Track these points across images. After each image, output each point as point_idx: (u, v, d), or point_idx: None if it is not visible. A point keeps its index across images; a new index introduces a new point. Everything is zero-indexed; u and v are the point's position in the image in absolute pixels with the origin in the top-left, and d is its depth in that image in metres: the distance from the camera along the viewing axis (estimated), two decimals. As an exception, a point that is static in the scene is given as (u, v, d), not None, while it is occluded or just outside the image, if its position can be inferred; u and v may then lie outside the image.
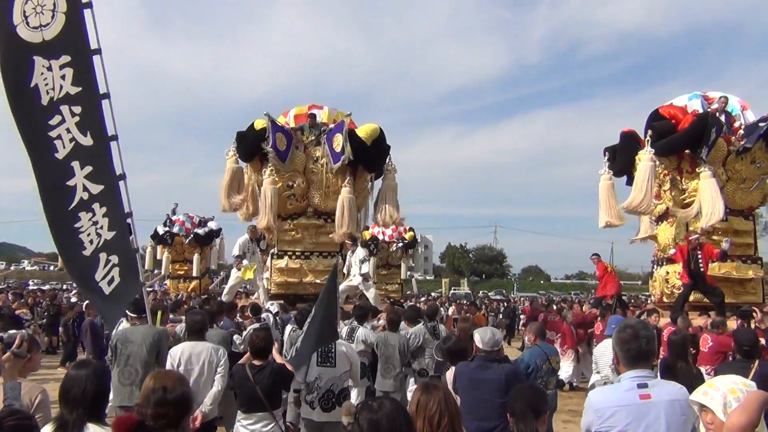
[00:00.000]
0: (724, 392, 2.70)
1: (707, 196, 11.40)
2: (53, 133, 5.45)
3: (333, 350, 5.85)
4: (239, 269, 12.55)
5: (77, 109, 5.45)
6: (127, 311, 6.58)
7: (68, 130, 5.43)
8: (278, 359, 5.59)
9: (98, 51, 5.57)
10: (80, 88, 5.46)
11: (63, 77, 5.41)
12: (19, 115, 5.52)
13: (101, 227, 5.53)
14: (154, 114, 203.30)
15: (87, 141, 5.48)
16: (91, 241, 5.52)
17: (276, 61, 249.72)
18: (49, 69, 5.41)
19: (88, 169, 5.48)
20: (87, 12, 5.48)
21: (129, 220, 5.81)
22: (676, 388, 3.13)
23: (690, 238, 11.49)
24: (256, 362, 5.24)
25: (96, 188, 5.51)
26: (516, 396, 3.54)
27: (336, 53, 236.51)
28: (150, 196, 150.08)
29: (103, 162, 5.56)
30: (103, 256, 5.55)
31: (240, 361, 5.51)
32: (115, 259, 5.59)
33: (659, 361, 6.41)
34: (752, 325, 8.67)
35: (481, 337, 4.93)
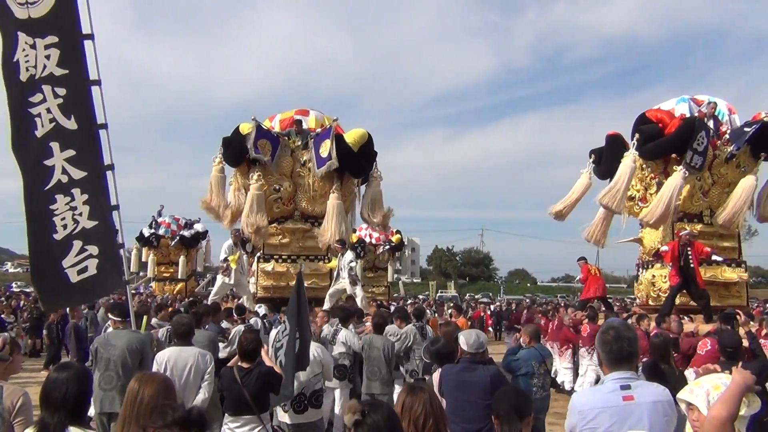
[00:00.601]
0: (708, 389, 2.74)
1: (665, 191, 11.51)
2: (34, 111, 5.43)
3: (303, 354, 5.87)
4: (226, 275, 12.55)
5: (61, 91, 5.42)
6: (110, 315, 6.52)
7: (48, 110, 5.41)
8: (267, 362, 5.58)
9: (90, 36, 5.53)
10: (66, 71, 5.44)
11: (48, 57, 5.38)
12: (6, 87, 5.51)
13: (80, 214, 5.46)
14: (140, 115, 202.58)
15: (71, 124, 5.45)
16: (64, 226, 5.43)
17: (263, 63, 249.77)
18: (33, 47, 5.38)
19: (70, 152, 5.44)
20: None
21: (115, 213, 5.75)
22: (659, 389, 3.15)
23: (681, 234, 11.50)
24: (244, 365, 5.20)
25: (78, 173, 5.45)
26: (500, 398, 3.56)
27: (323, 56, 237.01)
28: (135, 198, 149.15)
29: (88, 148, 5.52)
30: (77, 243, 5.46)
31: (228, 364, 5.47)
32: (93, 250, 5.51)
33: (643, 363, 6.46)
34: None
35: (466, 340, 4.95)
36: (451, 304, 20.17)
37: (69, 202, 5.43)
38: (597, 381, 11.55)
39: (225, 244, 12.78)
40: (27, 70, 5.40)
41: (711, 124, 12.42)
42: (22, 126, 5.46)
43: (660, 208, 11.44)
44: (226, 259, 12.56)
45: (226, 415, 5.26)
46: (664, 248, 11.75)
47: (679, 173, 11.52)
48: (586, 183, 13.55)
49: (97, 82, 5.58)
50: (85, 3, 5.46)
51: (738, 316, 9.37)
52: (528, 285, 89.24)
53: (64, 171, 5.41)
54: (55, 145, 5.41)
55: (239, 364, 5.25)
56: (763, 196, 12.42)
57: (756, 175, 12.24)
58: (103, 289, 6.22)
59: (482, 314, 16.73)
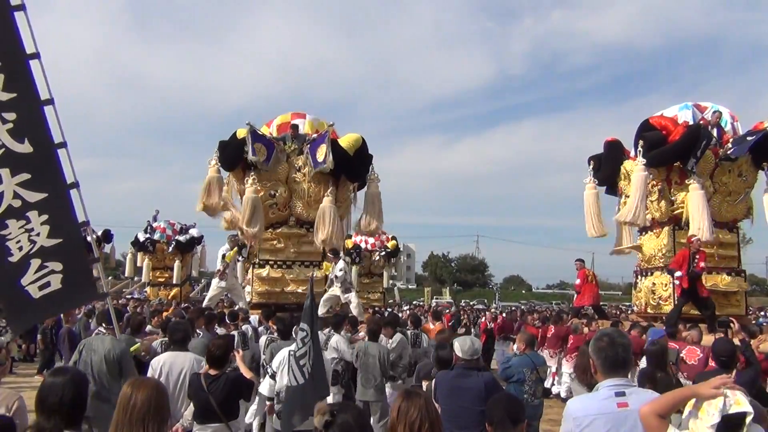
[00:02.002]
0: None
1: (695, 209, 11.47)
2: None
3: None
4: (222, 279, 12.60)
5: (10, 116, 5.30)
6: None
7: None
8: (242, 369, 5.55)
9: (36, 55, 5.41)
10: (14, 94, 5.31)
11: None
12: None
13: (37, 234, 5.40)
14: (136, 119, 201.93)
15: (24, 148, 5.33)
16: (20, 248, 5.38)
17: (260, 68, 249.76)
18: None
19: (24, 176, 5.35)
20: (19, 15, 5.32)
21: (86, 229, 5.74)
22: (653, 396, 3.15)
23: (692, 240, 11.41)
24: (212, 372, 5.13)
25: (34, 196, 5.38)
26: (494, 404, 3.57)
27: (321, 61, 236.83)
28: (131, 203, 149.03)
29: (45, 169, 5.44)
30: (35, 261, 5.43)
31: (199, 371, 5.38)
32: (56, 266, 5.48)
33: (638, 371, 6.48)
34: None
35: (460, 346, 4.96)
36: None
37: (24, 225, 5.36)
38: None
39: (220, 251, 12.96)
40: None
41: (715, 132, 12.44)
42: None
43: (705, 224, 11.39)
44: (224, 256, 12.68)
45: (195, 423, 5.15)
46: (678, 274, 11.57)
47: (694, 185, 11.56)
48: (595, 193, 13.53)
49: (50, 101, 5.46)
50: (25, 22, 5.31)
51: (732, 325, 9.41)
52: (523, 291, 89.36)
53: (16, 195, 5.31)
54: (4, 171, 5.29)
55: (207, 371, 5.17)
56: None
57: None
58: (72, 301, 6.20)
59: (489, 324, 16.31)
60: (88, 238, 5.96)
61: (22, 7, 5.31)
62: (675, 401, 2.83)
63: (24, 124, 5.32)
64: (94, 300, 6.04)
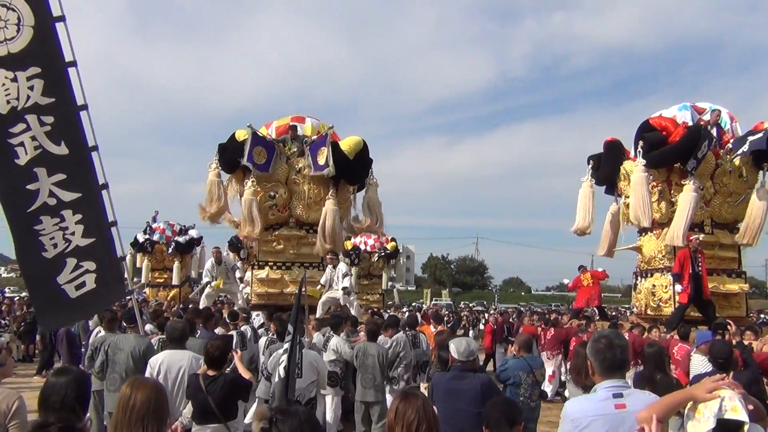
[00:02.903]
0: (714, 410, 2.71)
1: (680, 210, 11.51)
2: (14, 140, 5.58)
3: (300, 361, 5.83)
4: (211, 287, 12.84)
5: (48, 119, 5.61)
6: (124, 322, 6.97)
7: (34, 138, 5.59)
8: (240, 369, 5.55)
9: (73, 63, 5.70)
10: (52, 99, 5.61)
11: (31, 88, 5.56)
12: None
13: (72, 233, 5.68)
14: (137, 120, 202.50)
15: (60, 150, 5.64)
16: (54, 245, 5.65)
17: (261, 69, 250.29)
18: (14, 80, 5.54)
19: (59, 176, 5.64)
20: (60, 25, 5.63)
21: (113, 229, 6.00)
22: (651, 397, 3.15)
23: (691, 238, 11.42)
24: (210, 372, 5.13)
25: (69, 195, 5.67)
26: (491, 407, 3.60)
27: (322, 63, 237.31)
28: (131, 204, 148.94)
29: (80, 171, 5.74)
30: (71, 260, 5.68)
31: (197, 371, 5.38)
32: (90, 266, 5.74)
33: (634, 373, 6.49)
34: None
35: (456, 348, 4.95)
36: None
37: (58, 223, 5.65)
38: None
39: (207, 263, 13.13)
40: (8, 102, 5.55)
41: (714, 132, 12.42)
42: (1, 157, 5.63)
43: (681, 227, 11.43)
44: (209, 284, 12.93)
45: (193, 423, 5.15)
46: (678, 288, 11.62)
47: (690, 186, 11.54)
48: (589, 192, 13.54)
49: (84, 107, 5.77)
50: (64, 31, 5.62)
51: (729, 327, 9.42)
52: (522, 293, 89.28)
53: (52, 194, 5.62)
54: (41, 171, 5.62)
55: (206, 372, 5.17)
56: None
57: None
58: (103, 302, 6.44)
59: (495, 327, 16.20)
60: (115, 237, 6.16)
61: (62, 18, 5.65)
62: (671, 405, 2.81)
63: (61, 128, 5.66)
64: (123, 298, 6.32)
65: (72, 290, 5.73)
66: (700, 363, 7.45)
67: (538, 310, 35.21)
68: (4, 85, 5.55)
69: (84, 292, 5.77)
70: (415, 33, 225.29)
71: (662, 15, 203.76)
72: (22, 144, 5.60)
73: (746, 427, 2.57)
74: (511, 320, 18.07)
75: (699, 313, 11.53)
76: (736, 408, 2.59)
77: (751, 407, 2.64)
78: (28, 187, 5.61)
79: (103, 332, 7.83)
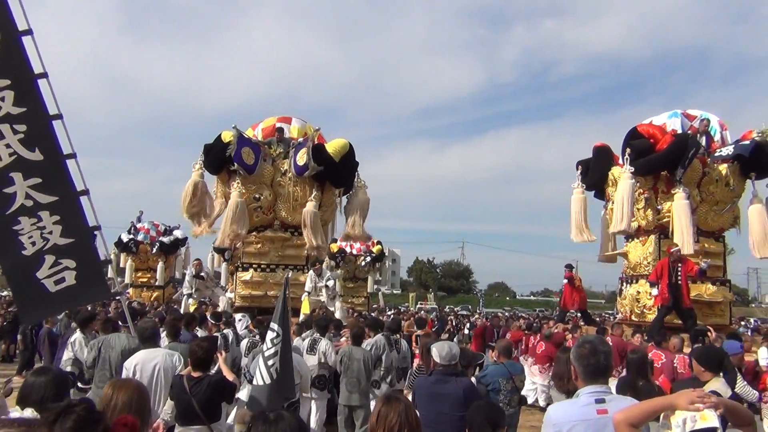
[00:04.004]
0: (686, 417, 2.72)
1: (679, 220, 11.51)
2: None
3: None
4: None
5: (21, 127, 5.92)
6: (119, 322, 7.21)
7: (8, 146, 5.91)
8: (225, 371, 5.51)
9: (44, 75, 5.99)
10: (24, 109, 5.92)
11: (2, 99, 5.86)
12: None
13: (50, 232, 6.01)
14: (125, 119, 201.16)
15: (35, 156, 5.95)
16: (33, 243, 5.98)
17: (252, 70, 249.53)
18: None
19: (36, 180, 5.96)
20: (27, 39, 5.90)
21: (98, 233, 6.36)
22: (632, 403, 3.18)
23: (672, 251, 11.44)
24: (195, 374, 5.10)
25: (45, 198, 5.99)
26: (474, 411, 3.59)
27: (312, 65, 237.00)
28: (115, 203, 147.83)
29: (55, 176, 6.05)
30: (50, 257, 6.02)
31: (181, 372, 5.36)
32: (70, 263, 6.07)
33: (618, 379, 6.52)
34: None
35: (438, 352, 4.94)
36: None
37: (35, 223, 5.96)
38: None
39: (187, 275, 13.17)
40: None
41: (703, 140, 12.45)
42: None
43: (686, 237, 11.43)
44: (190, 296, 12.94)
45: (176, 425, 5.11)
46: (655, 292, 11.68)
47: (680, 194, 11.59)
48: (582, 198, 13.58)
49: (58, 116, 6.03)
50: (32, 44, 5.87)
51: (709, 334, 9.50)
52: (507, 298, 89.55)
53: (28, 196, 5.93)
54: (17, 175, 5.92)
55: (190, 373, 5.13)
56: None
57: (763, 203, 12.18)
58: (86, 297, 6.74)
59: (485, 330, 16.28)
60: (99, 241, 6.48)
61: (29, 32, 5.94)
62: (649, 411, 2.80)
63: (34, 135, 5.96)
64: (107, 298, 6.65)
65: (51, 285, 6.02)
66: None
67: (523, 315, 35.28)
68: None
69: (63, 287, 6.06)
70: (406, 37, 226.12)
71: (651, 24, 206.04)
72: None
73: None
74: (500, 324, 18.12)
75: (680, 320, 11.57)
76: (705, 416, 2.59)
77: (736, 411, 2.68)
78: (5, 190, 5.90)
79: (79, 334, 7.92)
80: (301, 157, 12.43)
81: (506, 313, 37.66)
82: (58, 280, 6.04)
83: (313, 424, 7.98)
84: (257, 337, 8.22)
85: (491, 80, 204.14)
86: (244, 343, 8.59)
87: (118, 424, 2.83)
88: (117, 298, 8.15)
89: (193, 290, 13.53)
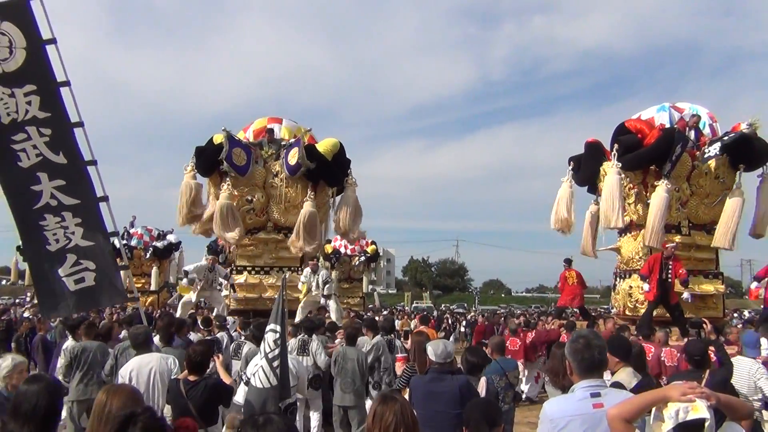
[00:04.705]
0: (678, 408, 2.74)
1: (653, 210, 11.60)
2: (17, 147, 6.31)
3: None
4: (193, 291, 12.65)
5: (47, 131, 6.31)
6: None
7: (35, 146, 6.30)
8: (222, 374, 5.49)
9: (66, 83, 6.31)
10: (49, 114, 6.28)
11: (29, 103, 6.26)
12: None
13: (72, 232, 6.34)
14: (116, 125, 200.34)
15: (59, 159, 6.30)
16: (57, 240, 6.31)
17: (242, 73, 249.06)
18: (12, 96, 6.27)
19: (59, 182, 6.31)
20: (51, 47, 6.27)
21: (115, 239, 6.76)
22: (628, 396, 3.19)
23: (667, 246, 11.47)
24: (191, 377, 5.10)
25: (68, 200, 6.32)
26: (471, 408, 3.60)
27: (303, 67, 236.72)
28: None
29: (77, 180, 6.38)
30: (71, 256, 6.33)
31: (178, 376, 5.36)
32: (90, 265, 6.39)
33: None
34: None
35: (433, 350, 4.95)
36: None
37: (59, 222, 6.30)
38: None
39: (196, 264, 12.99)
40: (8, 115, 6.23)
41: (692, 134, 12.50)
42: (5, 159, 6.31)
43: (656, 228, 11.49)
44: (193, 281, 12.72)
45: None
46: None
47: (662, 187, 11.63)
48: (569, 191, 13.63)
49: (80, 124, 6.34)
50: (56, 54, 6.24)
51: (704, 326, 9.54)
52: (503, 295, 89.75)
53: (53, 196, 6.28)
54: (43, 175, 6.32)
55: (187, 377, 5.13)
56: (759, 213, 12.37)
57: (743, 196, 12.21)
58: (103, 299, 6.96)
59: (485, 327, 16.31)
60: (117, 245, 7.03)
61: (53, 41, 6.31)
62: (642, 405, 2.81)
63: (58, 140, 6.32)
64: (124, 302, 7.10)
65: (71, 284, 6.34)
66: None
67: (518, 311, 35.35)
68: (2, 100, 6.24)
69: (83, 287, 6.37)
70: (397, 36, 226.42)
71: (640, 19, 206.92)
72: (24, 150, 6.29)
73: (707, 424, 2.61)
74: (500, 322, 18.22)
75: (668, 314, 11.63)
76: (696, 408, 2.62)
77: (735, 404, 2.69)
78: (32, 187, 6.31)
79: (71, 341, 7.96)
80: (293, 156, 12.39)
81: (502, 310, 37.77)
82: (78, 280, 6.34)
83: (314, 422, 8.00)
84: (242, 338, 8.23)
85: (483, 78, 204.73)
86: (232, 346, 8.57)
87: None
88: (135, 306, 8.40)
89: (199, 280, 12.78)
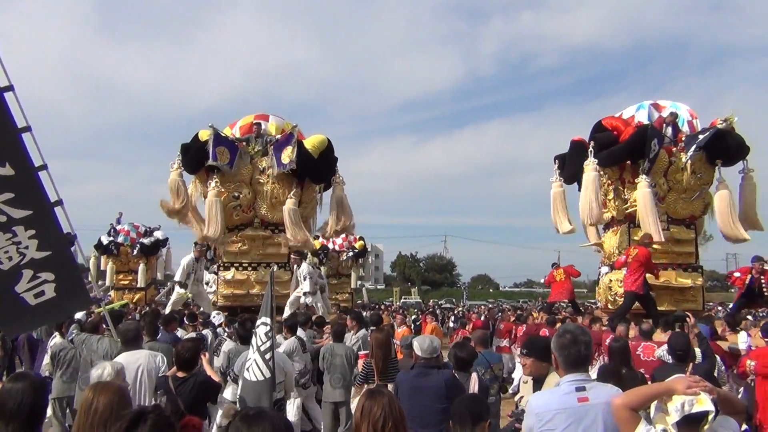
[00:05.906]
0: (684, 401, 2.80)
1: (643, 209, 11.66)
2: None
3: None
4: (183, 286, 12.51)
5: None
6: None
7: None
8: (208, 370, 5.50)
9: (9, 88, 5.85)
10: None
11: None
12: None
13: (26, 247, 5.94)
14: (102, 121, 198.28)
15: (6, 171, 5.83)
16: (9, 258, 5.90)
17: (229, 68, 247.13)
18: None
19: (8, 195, 5.85)
20: None
21: (75, 242, 6.52)
22: (612, 390, 3.22)
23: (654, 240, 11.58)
24: (180, 374, 5.11)
25: (18, 213, 5.90)
26: (458, 403, 3.63)
27: (291, 62, 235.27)
28: (94, 205, 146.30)
29: (28, 190, 5.96)
30: (27, 272, 5.95)
31: (166, 373, 5.37)
32: (49, 276, 6.02)
33: (598, 367, 6.59)
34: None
35: (419, 345, 4.98)
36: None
37: (10, 238, 5.86)
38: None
39: (183, 261, 12.87)
40: None
41: (669, 131, 12.65)
42: None
43: (652, 223, 11.52)
44: (181, 283, 12.60)
45: None
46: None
47: (643, 183, 11.71)
48: (561, 191, 13.72)
49: (27, 129, 5.90)
50: None
51: (687, 319, 9.62)
52: (491, 290, 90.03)
53: (2, 212, 5.82)
54: None
55: (176, 373, 5.14)
56: (742, 210, 12.44)
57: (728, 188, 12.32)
58: (66, 310, 6.68)
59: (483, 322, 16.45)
60: (75, 249, 6.59)
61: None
62: (648, 395, 2.93)
63: (3, 150, 5.81)
64: (88, 307, 6.75)
65: (31, 298, 5.97)
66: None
67: (506, 307, 35.53)
68: None
69: (43, 300, 6.01)
70: (385, 32, 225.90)
71: (628, 14, 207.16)
72: None
73: (710, 416, 2.68)
74: (496, 317, 18.41)
75: (641, 306, 11.69)
76: (701, 400, 2.71)
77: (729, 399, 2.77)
78: None
79: (58, 338, 7.95)
80: (286, 156, 12.39)
81: (490, 305, 37.91)
82: (38, 294, 6.01)
83: (315, 415, 8.04)
84: (225, 334, 8.22)
85: (471, 74, 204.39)
86: (215, 343, 8.54)
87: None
88: (99, 305, 8.16)
89: (188, 279, 12.69)
